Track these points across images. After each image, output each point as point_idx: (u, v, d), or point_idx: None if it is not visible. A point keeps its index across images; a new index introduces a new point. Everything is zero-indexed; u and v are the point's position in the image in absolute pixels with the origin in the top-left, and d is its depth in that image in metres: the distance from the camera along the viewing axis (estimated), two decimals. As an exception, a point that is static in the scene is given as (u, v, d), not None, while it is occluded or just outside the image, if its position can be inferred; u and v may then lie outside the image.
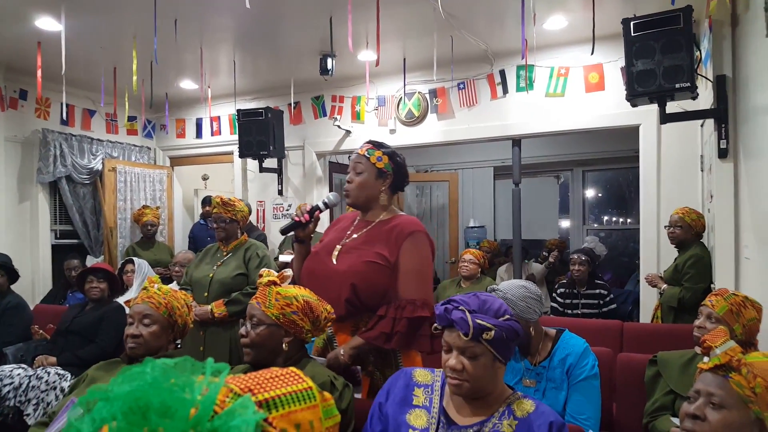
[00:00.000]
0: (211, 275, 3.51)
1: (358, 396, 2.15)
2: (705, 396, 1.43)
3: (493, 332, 1.48)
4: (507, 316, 1.54)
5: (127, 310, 2.28)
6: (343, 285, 2.19)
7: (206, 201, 6.54)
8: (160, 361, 0.63)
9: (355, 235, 2.33)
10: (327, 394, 0.83)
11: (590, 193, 8.50)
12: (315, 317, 1.95)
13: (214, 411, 0.62)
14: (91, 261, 6.29)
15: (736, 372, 1.41)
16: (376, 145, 2.37)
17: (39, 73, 4.46)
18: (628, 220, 8.37)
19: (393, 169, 2.35)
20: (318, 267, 2.30)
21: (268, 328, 1.89)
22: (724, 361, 1.44)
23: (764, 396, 1.37)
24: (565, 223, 8.48)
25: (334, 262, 2.27)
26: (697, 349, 2.26)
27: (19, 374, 3.53)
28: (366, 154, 2.33)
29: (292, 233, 2.40)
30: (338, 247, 2.31)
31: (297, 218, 2.34)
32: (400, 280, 2.22)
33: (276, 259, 4.89)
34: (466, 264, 4.87)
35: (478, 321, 1.49)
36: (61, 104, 5.59)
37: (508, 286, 2.23)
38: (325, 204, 2.41)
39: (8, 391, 3.46)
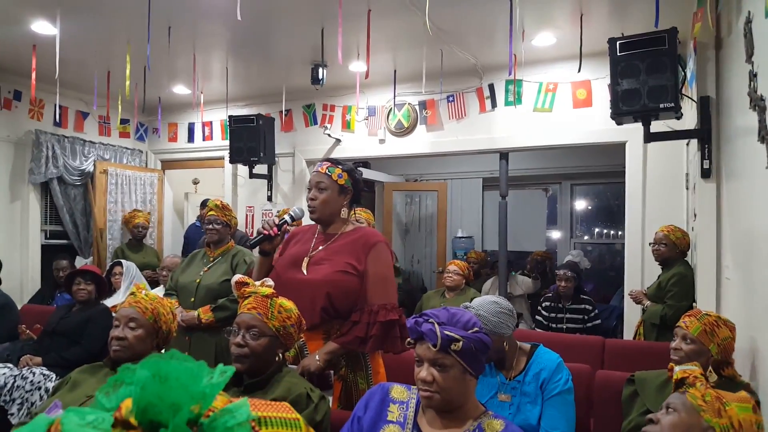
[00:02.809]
0: (198, 281, 3.51)
1: (329, 398, 2.21)
2: (664, 406, 1.59)
3: (461, 343, 1.54)
4: (476, 329, 1.59)
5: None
6: (318, 294, 2.31)
7: (205, 204, 6.56)
8: (182, 356, 0.70)
9: (320, 247, 2.44)
10: (312, 431, 0.88)
11: (579, 206, 8.56)
12: (300, 329, 2.03)
13: (212, 410, 0.69)
14: (80, 262, 6.29)
15: (692, 387, 1.58)
16: (335, 162, 2.48)
17: (33, 76, 4.48)
18: (619, 233, 8.42)
19: (352, 184, 2.48)
20: (288, 278, 2.38)
21: (269, 339, 1.93)
22: (681, 377, 1.62)
23: (713, 404, 1.51)
24: (553, 236, 8.54)
25: (305, 272, 2.37)
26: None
27: (4, 374, 3.54)
28: (327, 172, 2.43)
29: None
30: (306, 259, 2.41)
31: (266, 231, 2.42)
32: (369, 287, 2.35)
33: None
34: (450, 275, 4.91)
35: (447, 332, 1.54)
36: (55, 106, 5.62)
37: (480, 303, 2.27)
38: (291, 218, 2.51)
39: (-7, 391, 3.47)
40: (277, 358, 1.97)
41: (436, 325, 1.56)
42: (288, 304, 2.00)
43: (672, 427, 1.52)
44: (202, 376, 0.67)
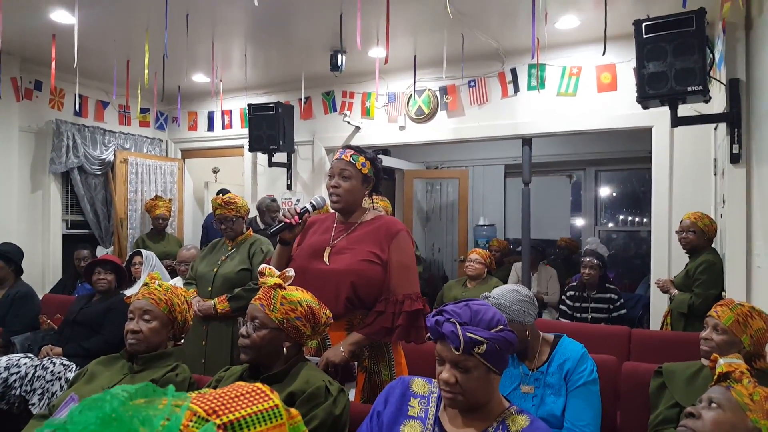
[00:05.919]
0: (215, 270, 3.51)
1: (352, 390, 2.21)
2: (706, 400, 1.51)
3: (485, 345, 1.46)
4: (500, 327, 1.51)
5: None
6: (342, 284, 2.26)
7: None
8: (119, 389, 0.61)
9: (341, 237, 2.40)
10: (294, 411, 0.81)
11: (603, 192, 8.41)
12: (316, 323, 1.95)
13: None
14: (101, 251, 6.34)
15: (739, 382, 1.49)
16: (359, 150, 2.42)
17: (53, 65, 4.48)
18: (644, 220, 8.26)
19: (374, 174, 2.44)
20: (311, 268, 2.32)
21: (270, 331, 1.88)
22: (726, 370, 1.53)
23: (762, 404, 1.44)
24: (577, 223, 8.41)
25: (327, 263, 2.33)
26: (704, 361, 2.23)
27: (25, 364, 3.56)
28: (351, 160, 2.37)
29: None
30: (328, 248, 2.37)
31: (287, 220, 2.36)
32: (392, 276, 2.31)
33: None
34: (472, 264, 4.84)
35: (469, 334, 1.46)
36: (75, 95, 5.63)
37: (500, 292, 2.22)
38: (312, 206, 2.45)
39: (14, 380, 3.48)
40: (284, 351, 1.90)
41: (458, 327, 1.47)
42: (298, 296, 1.92)
43: (715, 424, 1.45)
44: (150, 423, 0.58)
